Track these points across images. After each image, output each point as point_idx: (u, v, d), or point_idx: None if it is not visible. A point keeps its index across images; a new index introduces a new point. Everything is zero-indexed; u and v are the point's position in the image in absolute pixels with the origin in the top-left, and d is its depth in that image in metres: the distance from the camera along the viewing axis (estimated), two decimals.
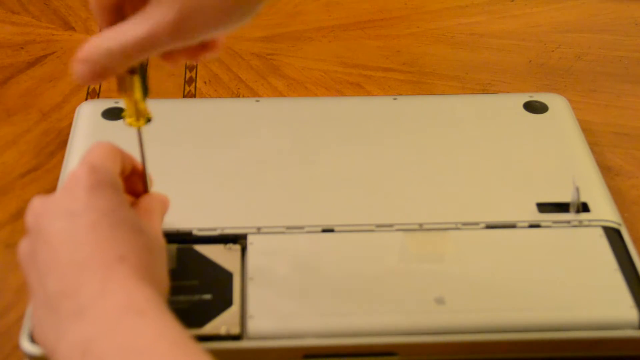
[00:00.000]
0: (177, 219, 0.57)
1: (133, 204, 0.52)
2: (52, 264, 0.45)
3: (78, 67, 0.45)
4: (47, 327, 0.44)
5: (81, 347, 0.41)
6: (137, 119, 0.49)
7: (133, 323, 0.42)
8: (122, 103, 0.51)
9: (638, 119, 0.75)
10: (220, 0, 0.42)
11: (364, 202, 0.60)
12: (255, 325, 0.51)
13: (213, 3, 0.42)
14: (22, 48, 0.83)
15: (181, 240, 0.56)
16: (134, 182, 0.53)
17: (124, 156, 0.52)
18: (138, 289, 0.44)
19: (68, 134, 0.66)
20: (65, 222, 0.46)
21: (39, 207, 0.48)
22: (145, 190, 0.53)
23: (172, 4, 0.42)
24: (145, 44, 0.43)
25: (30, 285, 0.46)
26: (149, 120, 0.50)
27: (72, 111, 0.69)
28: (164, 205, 0.54)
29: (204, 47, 0.48)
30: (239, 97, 0.77)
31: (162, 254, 0.49)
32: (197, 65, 0.81)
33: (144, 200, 0.52)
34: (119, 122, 0.67)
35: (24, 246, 0.48)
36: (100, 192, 0.47)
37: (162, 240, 0.50)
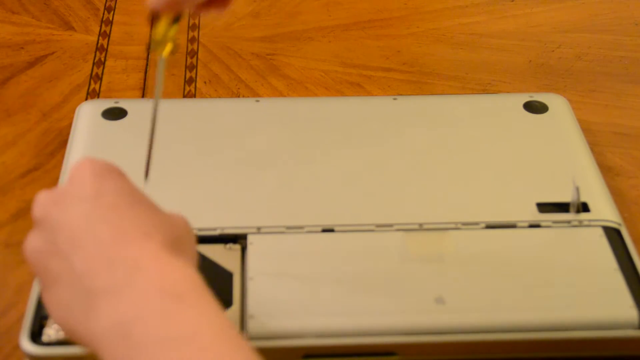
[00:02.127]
0: None
1: None
2: (77, 245, 0.44)
3: None
4: (77, 309, 0.43)
5: (122, 329, 0.40)
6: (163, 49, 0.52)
7: (173, 308, 0.41)
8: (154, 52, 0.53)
9: (638, 119, 0.75)
10: None
11: (364, 202, 0.60)
12: (255, 325, 0.51)
13: None
14: (22, 48, 0.83)
15: None
16: None
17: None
18: (170, 266, 0.43)
19: (68, 134, 0.66)
20: (82, 206, 0.45)
21: (47, 199, 0.47)
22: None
23: None
24: None
25: (48, 275, 0.45)
26: (171, 49, 0.52)
27: (72, 111, 0.69)
28: None
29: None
30: (239, 97, 0.77)
31: (187, 228, 0.48)
32: (197, 65, 0.81)
33: None
34: (119, 122, 0.67)
35: (34, 240, 0.46)
36: (109, 176, 0.47)
37: (182, 217, 0.49)
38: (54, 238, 0.45)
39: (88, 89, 0.78)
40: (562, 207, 0.60)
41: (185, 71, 0.80)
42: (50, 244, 0.45)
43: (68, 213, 0.45)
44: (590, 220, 0.59)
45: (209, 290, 0.42)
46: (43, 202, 0.47)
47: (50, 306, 0.46)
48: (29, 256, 0.47)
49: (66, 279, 0.44)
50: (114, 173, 0.47)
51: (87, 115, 0.68)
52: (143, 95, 0.77)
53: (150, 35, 0.52)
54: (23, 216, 0.64)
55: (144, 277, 0.42)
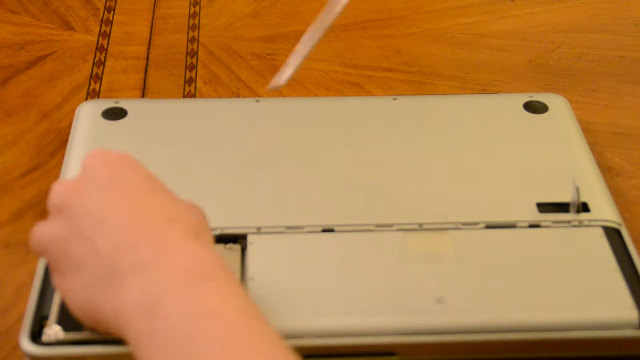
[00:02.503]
0: None
1: None
2: (100, 229, 0.44)
3: None
4: (101, 289, 0.43)
5: (148, 305, 0.41)
6: None
7: (199, 286, 0.41)
8: None
9: (638, 119, 0.75)
10: None
11: (364, 202, 0.60)
12: None
13: None
14: (22, 48, 0.83)
15: None
16: None
17: None
18: (197, 250, 0.43)
19: (68, 134, 0.66)
20: (102, 193, 0.45)
21: (65, 188, 0.47)
22: None
23: None
24: None
25: (68, 260, 0.45)
26: None
27: (72, 111, 0.69)
28: None
29: None
30: (239, 97, 0.77)
31: (203, 216, 0.48)
32: (197, 65, 0.81)
33: None
34: (119, 122, 0.67)
35: (53, 227, 0.46)
36: (124, 163, 0.47)
37: (197, 205, 0.49)
38: (76, 223, 0.45)
39: (88, 89, 0.78)
40: (562, 207, 0.60)
41: (185, 71, 0.80)
42: (71, 229, 0.45)
43: (89, 199, 0.45)
44: (590, 220, 0.59)
45: (234, 273, 0.43)
46: (61, 190, 0.47)
47: (68, 291, 0.46)
48: (44, 243, 0.47)
49: (89, 261, 0.44)
50: (128, 160, 0.48)
51: (87, 115, 0.68)
52: (143, 95, 0.77)
53: None
54: (23, 216, 0.64)
55: (170, 258, 0.42)
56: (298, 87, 0.78)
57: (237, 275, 0.54)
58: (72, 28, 0.86)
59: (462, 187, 0.62)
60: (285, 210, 0.59)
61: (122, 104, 0.68)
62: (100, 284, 0.43)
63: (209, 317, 0.40)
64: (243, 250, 0.56)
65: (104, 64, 0.81)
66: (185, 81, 0.79)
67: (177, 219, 0.45)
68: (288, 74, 0.57)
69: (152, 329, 0.40)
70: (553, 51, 0.84)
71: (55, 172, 0.66)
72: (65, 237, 0.45)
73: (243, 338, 0.39)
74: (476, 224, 0.58)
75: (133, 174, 0.47)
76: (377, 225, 0.58)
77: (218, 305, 0.41)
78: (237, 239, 0.57)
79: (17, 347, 0.51)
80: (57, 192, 0.47)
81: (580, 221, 0.59)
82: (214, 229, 0.57)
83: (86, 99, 0.76)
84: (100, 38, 0.85)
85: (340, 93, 0.78)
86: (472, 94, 0.78)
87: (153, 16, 0.89)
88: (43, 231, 0.47)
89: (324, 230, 0.58)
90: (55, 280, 0.47)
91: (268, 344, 0.40)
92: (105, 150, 0.48)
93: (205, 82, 0.79)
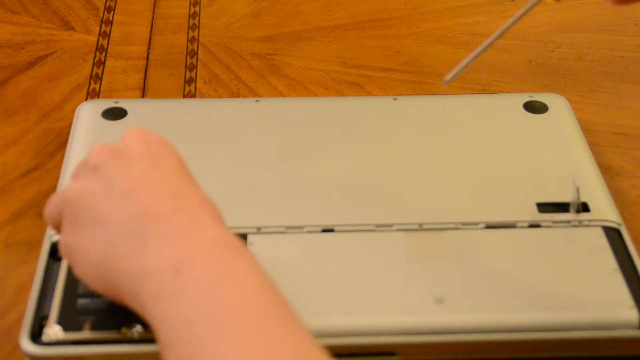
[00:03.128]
0: None
1: None
2: (137, 192, 0.45)
3: None
4: (124, 246, 0.43)
5: (175, 264, 0.41)
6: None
7: (228, 256, 0.42)
8: None
9: (638, 119, 0.75)
10: None
11: (363, 202, 0.60)
12: None
13: None
14: (22, 48, 0.83)
15: None
16: None
17: None
18: (225, 230, 0.44)
19: (68, 134, 0.66)
20: (142, 162, 0.46)
21: (105, 150, 0.47)
22: None
23: None
24: None
25: (95, 215, 0.45)
26: None
27: (72, 111, 0.69)
28: None
29: None
30: (239, 97, 0.77)
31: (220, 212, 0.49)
32: (197, 65, 0.81)
33: None
34: (119, 122, 0.67)
35: (88, 182, 0.46)
36: (163, 144, 0.49)
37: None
38: (112, 183, 0.45)
39: (88, 89, 0.78)
40: (562, 207, 0.60)
41: (185, 71, 0.80)
42: (105, 186, 0.45)
43: (126, 166, 0.46)
44: (590, 220, 0.59)
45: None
46: (102, 151, 0.47)
47: (83, 248, 0.45)
48: (71, 196, 0.46)
49: (117, 218, 0.44)
50: (166, 143, 0.49)
51: (87, 115, 0.68)
52: (143, 95, 0.77)
53: None
54: (23, 216, 0.64)
55: (201, 231, 0.43)
56: (298, 87, 0.78)
57: None
58: (72, 28, 0.86)
59: (462, 187, 0.62)
60: (285, 210, 0.59)
61: (122, 104, 0.68)
62: (124, 243, 0.43)
63: (233, 284, 0.40)
64: None
65: (104, 64, 0.81)
66: (185, 81, 0.79)
67: (210, 204, 0.46)
68: (457, 69, 0.58)
69: (175, 288, 0.40)
70: (553, 51, 0.84)
71: (55, 172, 0.66)
72: (97, 192, 0.46)
73: (263, 308, 0.40)
74: (476, 224, 0.58)
75: (172, 155, 0.48)
76: (377, 225, 0.58)
77: (244, 275, 0.41)
78: None
79: (17, 347, 0.51)
80: (97, 151, 0.48)
81: (580, 221, 0.59)
82: None
83: (86, 99, 0.76)
84: (100, 38, 0.85)
85: (340, 93, 0.78)
86: (472, 94, 0.78)
87: (153, 16, 0.89)
88: (73, 185, 0.47)
89: (324, 230, 0.58)
90: (69, 236, 0.47)
91: (286, 317, 0.41)
92: (145, 129, 0.49)
93: (205, 82, 0.79)
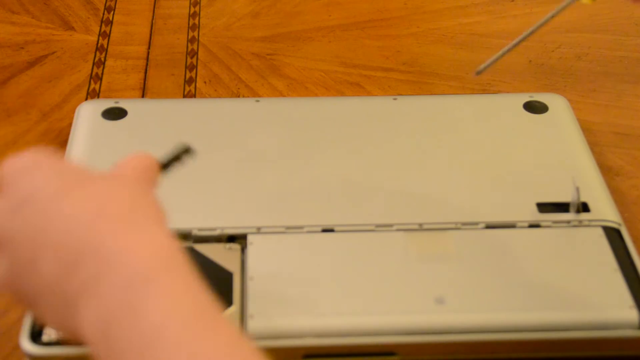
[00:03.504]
0: (177, 219, 0.56)
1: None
2: (35, 258, 0.42)
3: None
4: (64, 314, 0.42)
5: (102, 329, 0.39)
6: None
7: (143, 298, 0.39)
8: None
9: (638, 119, 0.75)
10: None
11: (363, 202, 0.60)
12: (255, 325, 0.51)
13: None
14: (22, 48, 0.83)
15: (181, 240, 0.56)
16: None
17: None
18: (134, 245, 0.40)
19: (68, 134, 0.66)
20: (19, 219, 0.42)
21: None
22: None
23: None
24: None
25: (25, 295, 0.43)
26: None
27: (72, 111, 0.69)
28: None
29: None
30: (239, 97, 0.77)
31: (139, 183, 0.46)
32: (197, 65, 0.81)
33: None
34: (119, 122, 0.67)
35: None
36: (28, 173, 0.43)
37: (128, 164, 0.47)
38: (15, 258, 0.43)
39: (88, 89, 0.78)
40: (562, 207, 0.60)
41: (185, 71, 0.80)
42: (13, 265, 0.43)
43: (15, 229, 0.42)
44: (590, 220, 0.59)
45: (184, 259, 0.40)
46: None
47: (42, 318, 0.45)
48: None
49: (43, 292, 0.42)
50: (32, 165, 0.44)
51: (87, 115, 0.68)
52: (143, 95, 0.77)
53: None
54: None
55: (110, 269, 0.40)
56: (298, 87, 0.78)
57: (237, 275, 0.54)
58: (72, 28, 0.86)
59: (462, 187, 0.62)
60: (285, 210, 0.59)
61: (122, 104, 0.68)
62: (61, 310, 0.42)
63: (155, 334, 0.38)
64: (243, 250, 0.56)
65: (104, 64, 0.81)
66: (185, 81, 0.79)
67: (103, 211, 0.41)
68: (491, 60, 0.58)
69: (109, 351, 0.40)
70: (553, 51, 0.84)
71: None
72: (14, 274, 0.43)
73: (188, 350, 0.37)
74: (476, 224, 0.58)
75: (39, 183, 0.42)
76: (377, 225, 0.58)
77: (163, 317, 0.39)
78: (237, 239, 0.57)
79: (17, 347, 0.51)
80: None
81: (580, 221, 0.59)
82: (214, 229, 0.57)
83: (86, 99, 0.76)
84: (100, 38, 0.85)
85: (340, 93, 0.78)
86: (472, 94, 0.78)
87: (153, 16, 0.89)
88: None
89: (324, 230, 0.58)
90: (29, 309, 0.46)
91: (219, 351, 0.38)
92: (11, 161, 0.44)
93: (205, 82, 0.79)
